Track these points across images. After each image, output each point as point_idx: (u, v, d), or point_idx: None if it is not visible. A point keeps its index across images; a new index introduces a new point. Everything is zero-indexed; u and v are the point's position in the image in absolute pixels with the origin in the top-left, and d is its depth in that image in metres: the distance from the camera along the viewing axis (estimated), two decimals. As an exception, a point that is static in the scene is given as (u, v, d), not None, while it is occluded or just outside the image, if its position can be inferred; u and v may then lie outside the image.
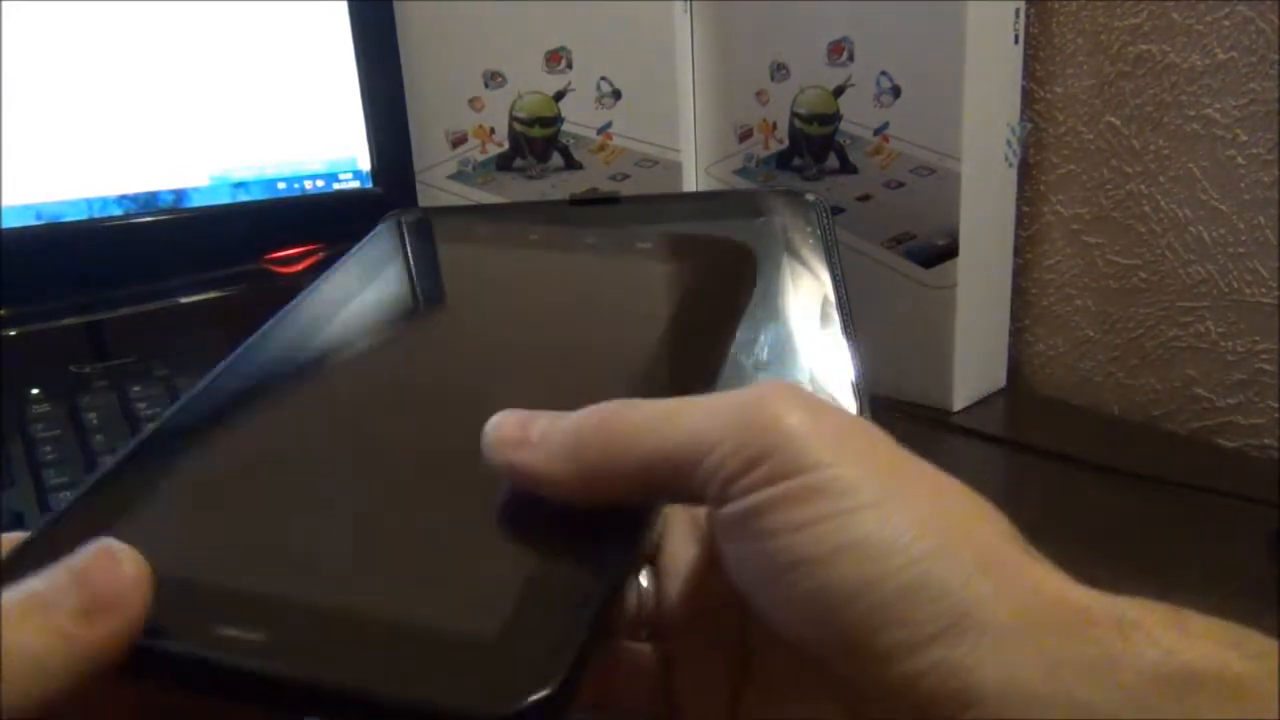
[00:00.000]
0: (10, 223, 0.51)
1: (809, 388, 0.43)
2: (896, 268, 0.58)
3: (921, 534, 0.17)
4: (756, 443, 0.18)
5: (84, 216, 0.53)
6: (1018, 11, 0.56)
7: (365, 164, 0.60)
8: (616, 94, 0.60)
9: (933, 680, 0.17)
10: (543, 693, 0.16)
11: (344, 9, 0.58)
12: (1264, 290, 0.53)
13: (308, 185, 0.59)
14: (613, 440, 0.19)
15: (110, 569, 0.17)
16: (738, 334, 0.26)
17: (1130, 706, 0.16)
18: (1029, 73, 0.60)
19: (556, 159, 0.61)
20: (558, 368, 0.26)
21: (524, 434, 0.20)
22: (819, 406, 0.19)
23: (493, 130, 0.61)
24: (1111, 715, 0.16)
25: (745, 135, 0.62)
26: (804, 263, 0.45)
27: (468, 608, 0.18)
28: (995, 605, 0.17)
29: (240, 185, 0.57)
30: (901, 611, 0.17)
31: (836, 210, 0.59)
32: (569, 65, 0.59)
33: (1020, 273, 0.63)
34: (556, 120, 0.60)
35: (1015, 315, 0.63)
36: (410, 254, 0.31)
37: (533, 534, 0.20)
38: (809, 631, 0.18)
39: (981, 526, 0.18)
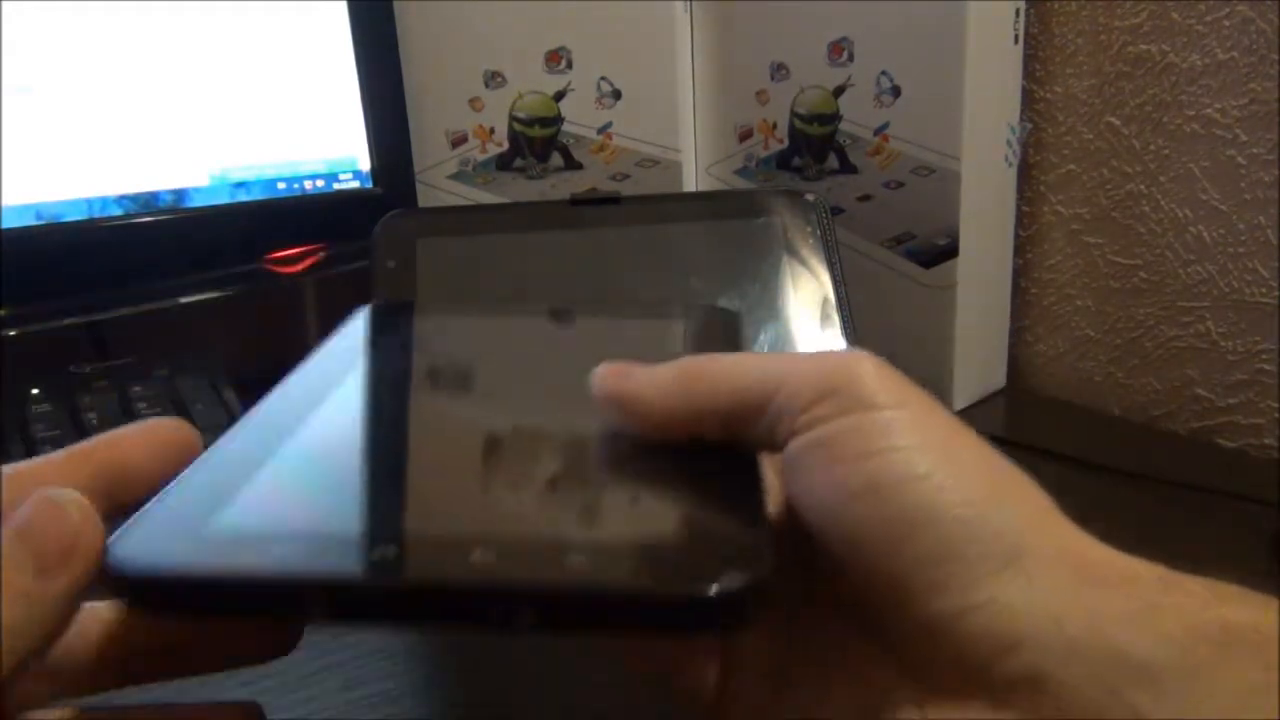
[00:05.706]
0: (10, 223, 0.51)
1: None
2: (896, 268, 0.58)
3: (980, 482, 0.19)
4: (830, 379, 0.20)
5: (84, 216, 0.53)
6: (1018, 11, 0.56)
7: (365, 164, 0.60)
8: (616, 94, 0.59)
9: (979, 619, 0.18)
10: (762, 572, 0.17)
11: (344, 9, 0.58)
12: (1264, 290, 0.53)
13: (308, 185, 0.59)
14: (711, 369, 0.22)
15: (57, 518, 0.17)
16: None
17: (1168, 652, 0.17)
18: (1029, 73, 0.60)
19: (556, 159, 0.61)
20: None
21: (628, 371, 0.22)
22: (887, 365, 0.21)
23: (493, 130, 0.61)
24: (1149, 660, 0.17)
25: (745, 135, 0.62)
26: (804, 263, 0.45)
27: (660, 526, 0.19)
28: (1045, 556, 0.18)
29: (240, 185, 0.57)
30: (961, 545, 0.18)
31: (836, 210, 0.59)
32: (569, 65, 0.59)
33: (1020, 273, 0.63)
34: (556, 120, 0.60)
35: (1015, 315, 0.63)
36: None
37: (673, 477, 0.21)
38: (872, 560, 0.19)
39: (1031, 491, 0.20)
